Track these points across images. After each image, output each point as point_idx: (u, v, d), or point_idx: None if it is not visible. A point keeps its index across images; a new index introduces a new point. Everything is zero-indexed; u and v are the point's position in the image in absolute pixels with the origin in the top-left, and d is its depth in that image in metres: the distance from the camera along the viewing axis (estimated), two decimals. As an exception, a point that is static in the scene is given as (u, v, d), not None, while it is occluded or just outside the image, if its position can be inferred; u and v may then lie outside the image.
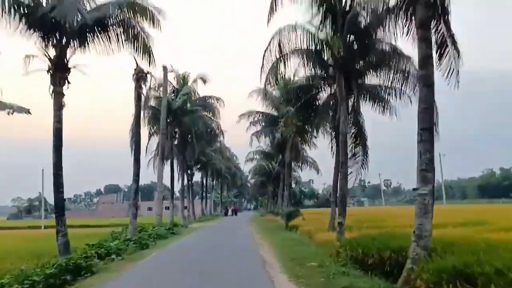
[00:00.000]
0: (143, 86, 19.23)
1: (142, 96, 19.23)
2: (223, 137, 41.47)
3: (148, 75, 19.29)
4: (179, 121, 33.16)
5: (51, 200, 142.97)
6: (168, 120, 32.29)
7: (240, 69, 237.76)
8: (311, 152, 42.86)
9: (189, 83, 37.36)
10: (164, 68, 26.18)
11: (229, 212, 75.98)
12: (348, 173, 15.12)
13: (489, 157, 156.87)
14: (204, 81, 37.80)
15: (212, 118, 39.08)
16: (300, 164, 44.08)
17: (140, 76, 19.11)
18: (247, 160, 54.72)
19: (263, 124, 35.78)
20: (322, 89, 20.56)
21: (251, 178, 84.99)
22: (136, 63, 19.11)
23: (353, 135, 16.74)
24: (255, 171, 67.87)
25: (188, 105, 35.09)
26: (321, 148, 41.67)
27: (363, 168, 16.70)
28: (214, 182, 70.95)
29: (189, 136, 34.71)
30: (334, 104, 19.85)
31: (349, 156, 15.38)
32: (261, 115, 35.33)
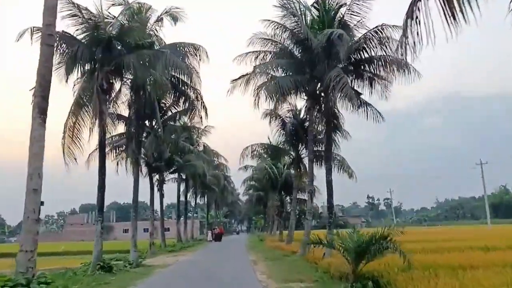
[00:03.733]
0: None
1: None
2: (207, 117, 25.10)
3: None
4: (119, 65, 17.66)
5: (10, 221, 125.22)
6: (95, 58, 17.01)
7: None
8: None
9: (151, 21, 22.22)
10: None
11: (209, 237, 55.00)
12: None
13: (493, 175, 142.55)
14: (175, 20, 22.69)
15: (188, 82, 23.74)
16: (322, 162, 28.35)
17: None
18: (239, 168, 39.36)
19: (285, 72, 19.81)
20: None
21: (244, 195, 69.50)
22: None
23: None
24: (249, 186, 52.48)
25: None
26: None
27: None
28: (197, 195, 54.07)
29: (143, 95, 18.96)
30: None
31: None
32: (276, 47, 19.46)
